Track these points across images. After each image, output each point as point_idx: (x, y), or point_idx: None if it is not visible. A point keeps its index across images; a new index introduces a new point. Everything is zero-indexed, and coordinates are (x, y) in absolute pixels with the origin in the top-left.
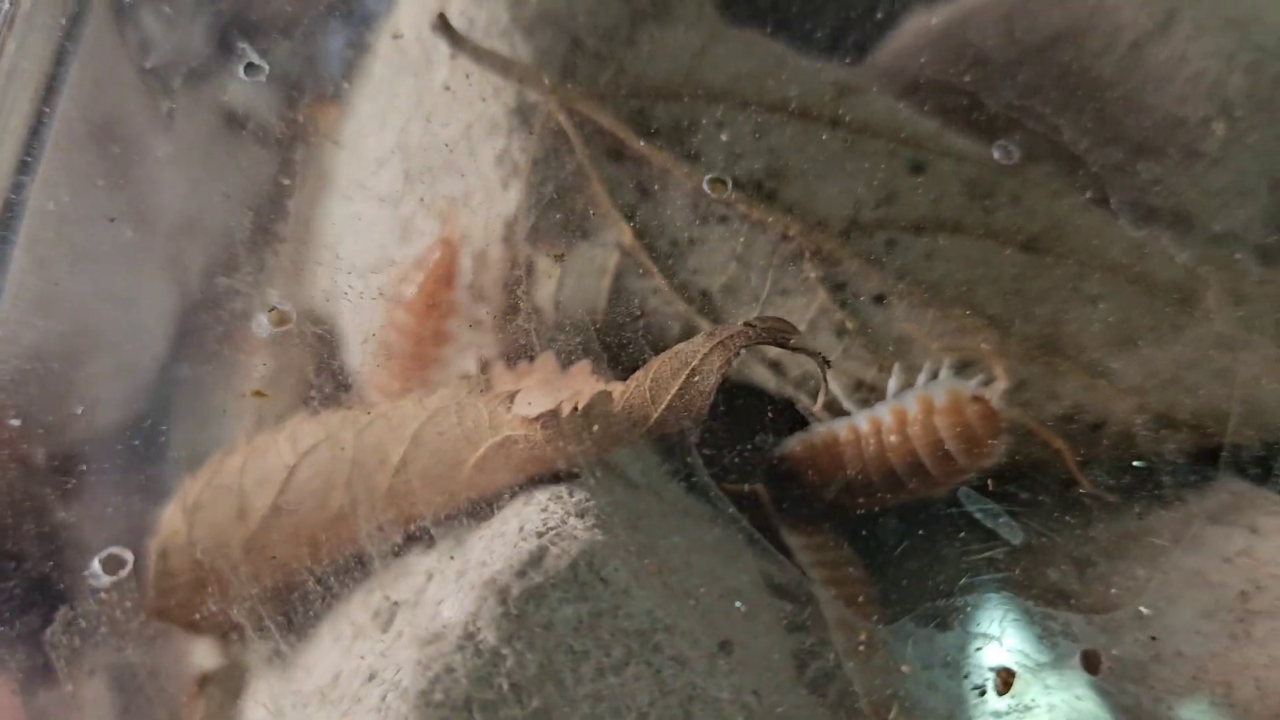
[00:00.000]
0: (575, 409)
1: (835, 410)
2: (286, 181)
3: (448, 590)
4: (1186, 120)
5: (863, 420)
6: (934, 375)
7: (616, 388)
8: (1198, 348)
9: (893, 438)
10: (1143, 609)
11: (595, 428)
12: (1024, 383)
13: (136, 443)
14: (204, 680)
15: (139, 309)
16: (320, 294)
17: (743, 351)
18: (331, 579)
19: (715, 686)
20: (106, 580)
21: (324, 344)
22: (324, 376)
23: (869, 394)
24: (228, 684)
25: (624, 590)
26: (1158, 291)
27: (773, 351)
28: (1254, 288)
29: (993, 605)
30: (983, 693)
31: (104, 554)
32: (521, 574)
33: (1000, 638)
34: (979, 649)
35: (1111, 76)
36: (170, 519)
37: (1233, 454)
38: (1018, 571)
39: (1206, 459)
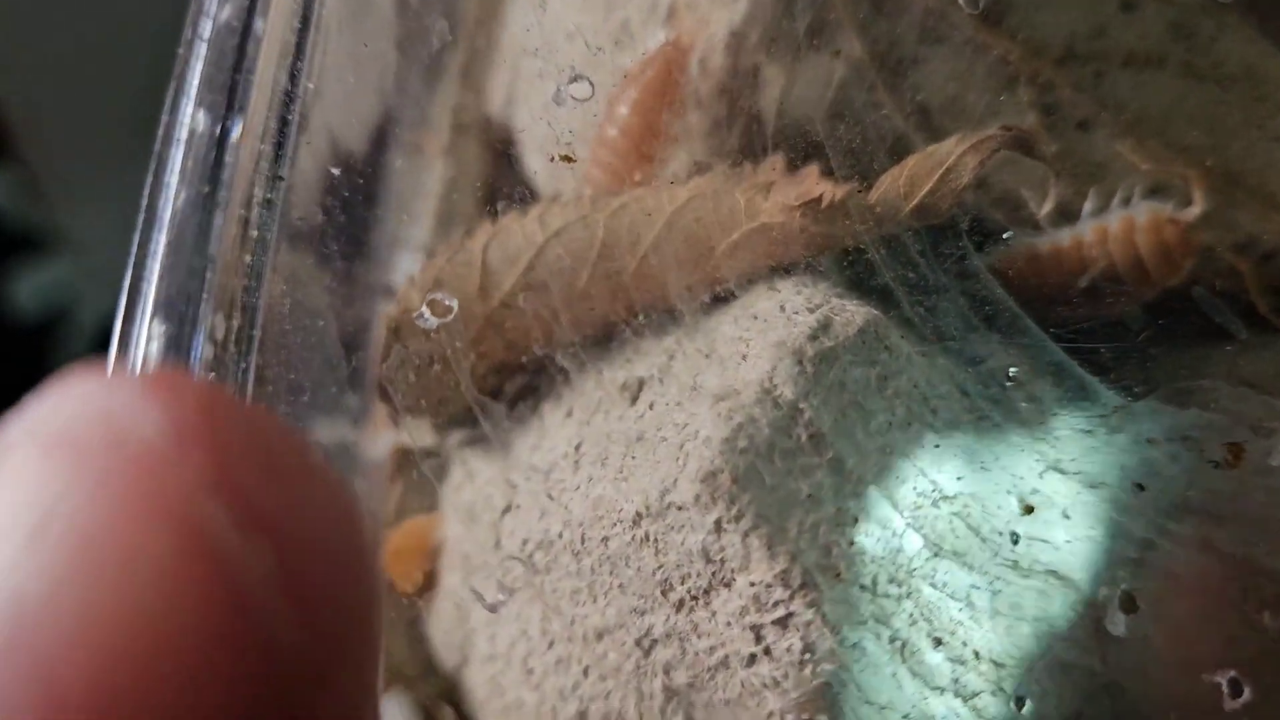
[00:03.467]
0: (834, 200)
1: (1036, 227)
2: None
3: (699, 364)
4: None
5: (1065, 237)
6: (1127, 198)
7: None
8: None
9: (1094, 252)
10: None
11: (849, 219)
12: (1205, 212)
13: None
14: (402, 457)
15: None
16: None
17: (997, 153)
18: (560, 358)
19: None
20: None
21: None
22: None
23: (1059, 216)
24: (434, 465)
25: (906, 357)
26: None
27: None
28: None
29: (1221, 389)
30: (1217, 465)
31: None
32: (814, 338)
33: (1228, 417)
34: (1211, 426)
35: None
36: (406, 295)
37: None
38: (1240, 362)
39: None
